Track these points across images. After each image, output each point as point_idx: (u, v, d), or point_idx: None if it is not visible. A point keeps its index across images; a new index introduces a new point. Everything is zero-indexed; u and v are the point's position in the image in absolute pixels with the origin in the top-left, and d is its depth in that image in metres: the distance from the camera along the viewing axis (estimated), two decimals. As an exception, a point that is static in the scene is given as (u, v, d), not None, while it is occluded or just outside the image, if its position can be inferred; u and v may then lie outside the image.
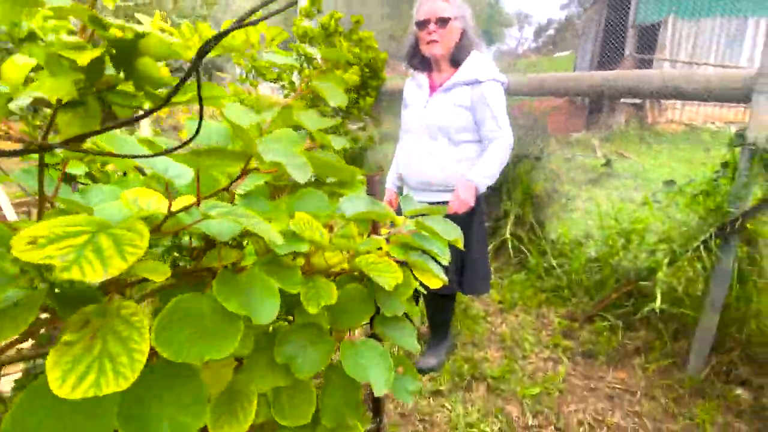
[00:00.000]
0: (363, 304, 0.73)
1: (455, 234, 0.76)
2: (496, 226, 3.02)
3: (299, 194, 0.75)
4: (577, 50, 10.63)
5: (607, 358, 1.97)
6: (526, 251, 2.73)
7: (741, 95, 1.53)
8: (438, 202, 1.70)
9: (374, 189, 1.01)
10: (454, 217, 1.73)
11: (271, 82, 4.16)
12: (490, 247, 2.94)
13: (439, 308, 1.90)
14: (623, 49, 7.43)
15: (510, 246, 2.78)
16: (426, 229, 0.72)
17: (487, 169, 1.62)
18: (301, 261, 0.70)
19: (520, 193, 2.80)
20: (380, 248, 0.75)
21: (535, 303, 2.41)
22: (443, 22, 1.60)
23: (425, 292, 0.73)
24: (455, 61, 1.66)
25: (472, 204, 1.63)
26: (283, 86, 4.22)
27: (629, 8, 7.43)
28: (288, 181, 0.79)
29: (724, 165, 1.62)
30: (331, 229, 0.76)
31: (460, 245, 0.72)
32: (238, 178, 0.53)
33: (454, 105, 1.64)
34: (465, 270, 1.78)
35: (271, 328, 0.67)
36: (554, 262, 2.53)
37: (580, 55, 9.98)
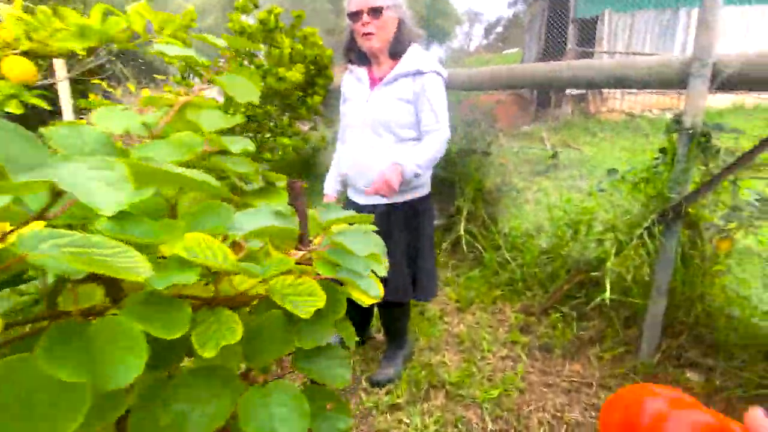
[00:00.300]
0: (284, 333, 0.61)
1: (377, 248, 0.65)
2: (450, 222, 2.98)
3: (198, 209, 0.62)
4: (524, 46, 10.93)
5: (563, 351, 1.95)
6: (480, 247, 2.70)
7: (678, 80, 1.53)
8: (387, 205, 1.60)
9: (297, 197, 0.89)
10: (406, 224, 1.63)
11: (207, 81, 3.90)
12: (445, 244, 2.89)
13: (394, 317, 1.80)
14: (565, 44, 7.68)
15: (464, 243, 2.73)
16: (338, 246, 0.61)
17: (419, 156, 1.51)
18: (211, 289, 0.58)
19: (471, 188, 2.76)
20: (303, 265, 0.63)
21: (491, 299, 2.37)
22: (376, 12, 1.49)
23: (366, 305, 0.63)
24: (394, 54, 1.57)
25: (396, 188, 1.47)
26: (223, 87, 3.97)
27: (569, 3, 7.69)
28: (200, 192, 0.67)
29: (663, 151, 1.62)
30: (239, 248, 0.63)
31: (380, 262, 0.62)
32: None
33: (396, 99, 1.55)
34: (418, 276, 1.70)
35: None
36: (508, 256, 2.51)
37: (527, 50, 10.27)
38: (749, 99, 6.48)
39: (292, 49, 3.83)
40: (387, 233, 1.62)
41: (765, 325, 1.55)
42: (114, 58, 8.13)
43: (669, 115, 1.65)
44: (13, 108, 0.84)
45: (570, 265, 2.18)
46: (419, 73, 1.53)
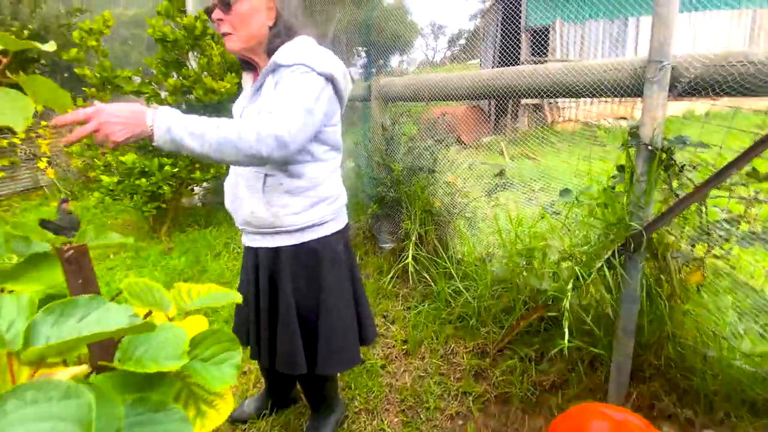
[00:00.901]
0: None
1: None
2: (400, 248, 2.69)
3: None
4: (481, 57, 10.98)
5: (522, 402, 1.67)
6: (429, 277, 2.41)
7: (632, 86, 1.30)
8: (274, 248, 1.26)
9: (74, 267, 0.55)
10: (299, 273, 1.26)
11: (130, 94, 3.50)
12: (393, 272, 2.59)
13: (312, 382, 1.46)
14: (519, 53, 7.67)
15: (412, 271, 2.44)
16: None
17: (191, 121, 0.96)
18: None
19: (418, 210, 2.48)
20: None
21: (442, 339, 2.07)
22: (225, 5, 1.12)
23: None
24: (271, 53, 1.19)
25: (115, 135, 0.90)
26: (148, 99, 3.58)
27: (520, 13, 7.72)
28: None
29: (620, 169, 1.39)
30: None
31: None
32: None
33: (258, 112, 1.15)
34: (320, 340, 1.29)
35: None
36: (460, 286, 2.23)
37: (483, 61, 10.29)
38: (700, 105, 6.60)
39: (222, 56, 3.48)
40: (271, 285, 1.28)
41: (748, 370, 1.31)
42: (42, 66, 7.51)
43: (624, 125, 1.41)
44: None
45: (527, 294, 1.91)
46: (277, 68, 1.13)
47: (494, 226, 2.28)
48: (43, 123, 6.14)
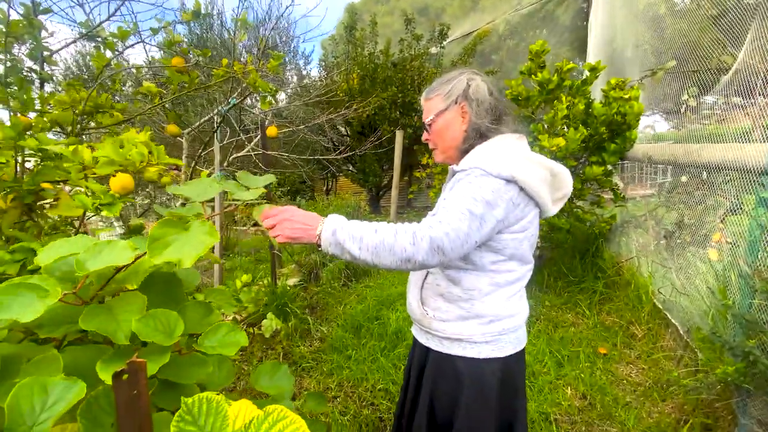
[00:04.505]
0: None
1: None
2: None
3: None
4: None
5: None
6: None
7: None
8: (426, 346, 1.21)
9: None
10: (425, 380, 1.23)
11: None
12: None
13: None
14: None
15: None
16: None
17: (351, 224, 0.95)
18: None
19: None
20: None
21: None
22: (426, 126, 1.23)
23: None
24: (464, 155, 1.19)
25: (284, 234, 0.95)
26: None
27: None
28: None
29: None
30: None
31: None
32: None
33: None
34: None
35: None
36: None
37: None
38: None
39: (569, 110, 3.12)
40: (419, 378, 1.25)
41: None
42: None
43: None
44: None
45: None
46: (454, 173, 1.11)
47: None
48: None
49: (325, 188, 10.30)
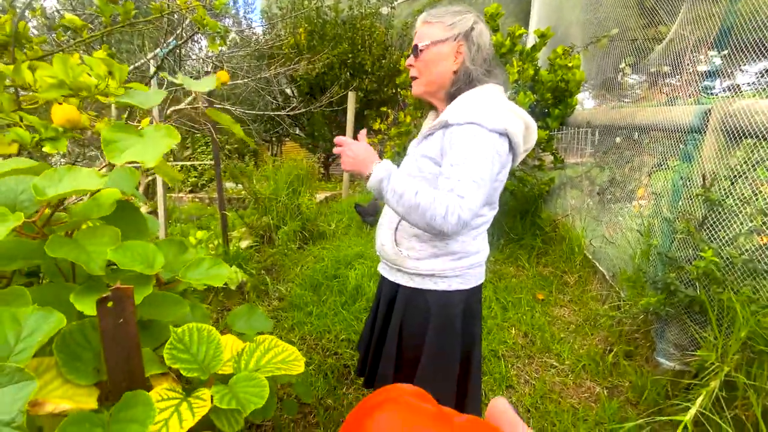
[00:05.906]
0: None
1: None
2: (690, 375, 1.67)
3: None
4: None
5: None
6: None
7: None
8: (395, 284, 1.30)
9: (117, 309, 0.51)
10: (395, 314, 1.33)
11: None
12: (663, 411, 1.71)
13: None
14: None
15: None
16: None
17: (402, 182, 1.04)
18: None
19: (737, 335, 1.40)
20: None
21: None
22: (416, 51, 1.17)
23: None
24: (452, 99, 1.17)
25: (344, 165, 1.14)
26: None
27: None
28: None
29: None
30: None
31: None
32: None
33: (421, 155, 1.16)
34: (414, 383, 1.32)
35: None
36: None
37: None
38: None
39: (519, 75, 3.28)
40: (387, 313, 1.35)
41: None
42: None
43: None
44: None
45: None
46: (447, 125, 1.10)
47: None
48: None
49: (270, 152, 9.94)
